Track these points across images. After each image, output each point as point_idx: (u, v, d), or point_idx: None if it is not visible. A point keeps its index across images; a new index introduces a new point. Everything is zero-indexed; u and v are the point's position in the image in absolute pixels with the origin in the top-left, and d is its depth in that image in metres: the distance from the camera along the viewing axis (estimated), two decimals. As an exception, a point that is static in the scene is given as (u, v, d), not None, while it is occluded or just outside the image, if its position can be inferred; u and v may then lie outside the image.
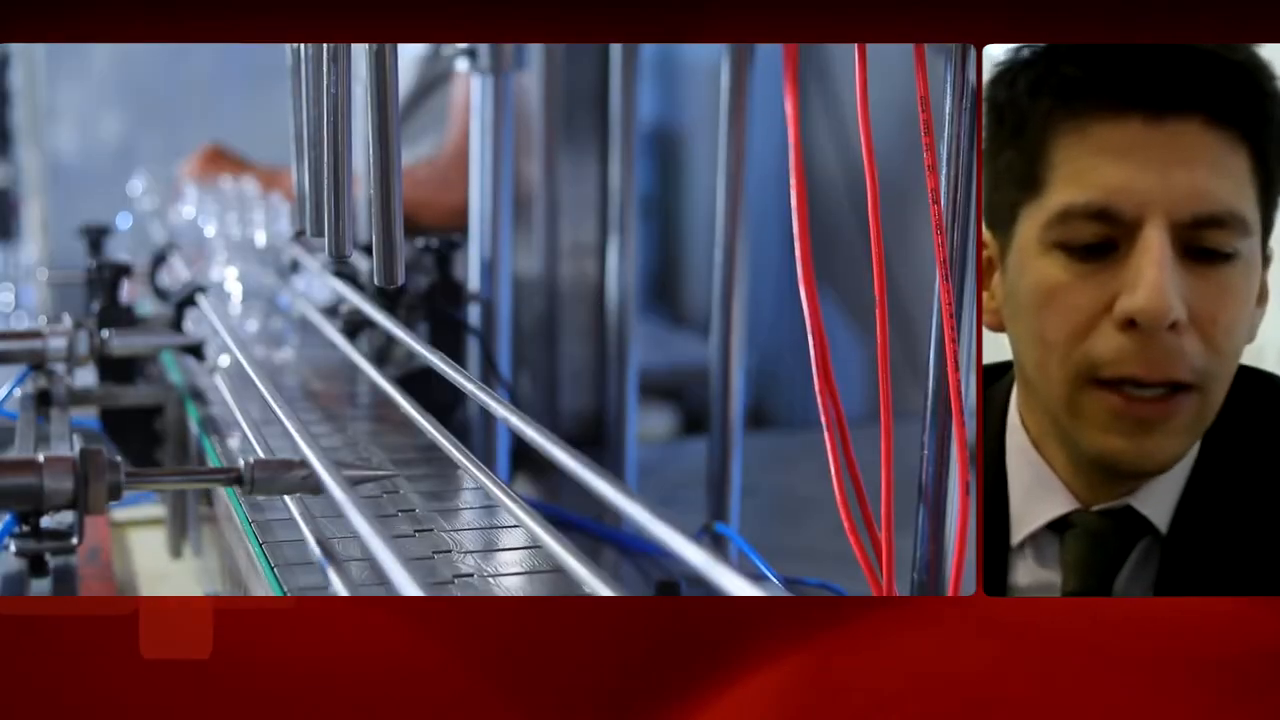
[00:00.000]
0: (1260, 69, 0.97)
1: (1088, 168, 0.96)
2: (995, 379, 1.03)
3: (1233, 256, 0.95)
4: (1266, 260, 0.99)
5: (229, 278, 1.69)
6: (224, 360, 1.46)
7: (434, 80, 2.16)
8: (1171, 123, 0.95)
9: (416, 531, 1.09)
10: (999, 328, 1.02)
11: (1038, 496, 1.00)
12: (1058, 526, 1.00)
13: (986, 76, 0.99)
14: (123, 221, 2.37)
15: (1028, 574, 1.01)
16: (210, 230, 1.76)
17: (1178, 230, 0.94)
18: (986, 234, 1.01)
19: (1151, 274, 0.93)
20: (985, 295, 1.02)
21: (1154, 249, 0.94)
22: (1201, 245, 0.95)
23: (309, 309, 1.53)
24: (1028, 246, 0.98)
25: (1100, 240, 0.95)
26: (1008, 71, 0.99)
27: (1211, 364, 0.96)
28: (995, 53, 0.99)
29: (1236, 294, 0.96)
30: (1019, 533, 1.01)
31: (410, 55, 2.18)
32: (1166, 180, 0.94)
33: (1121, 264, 0.95)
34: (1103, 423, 0.97)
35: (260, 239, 1.75)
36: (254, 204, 1.79)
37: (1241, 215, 0.95)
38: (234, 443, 1.30)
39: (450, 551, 1.05)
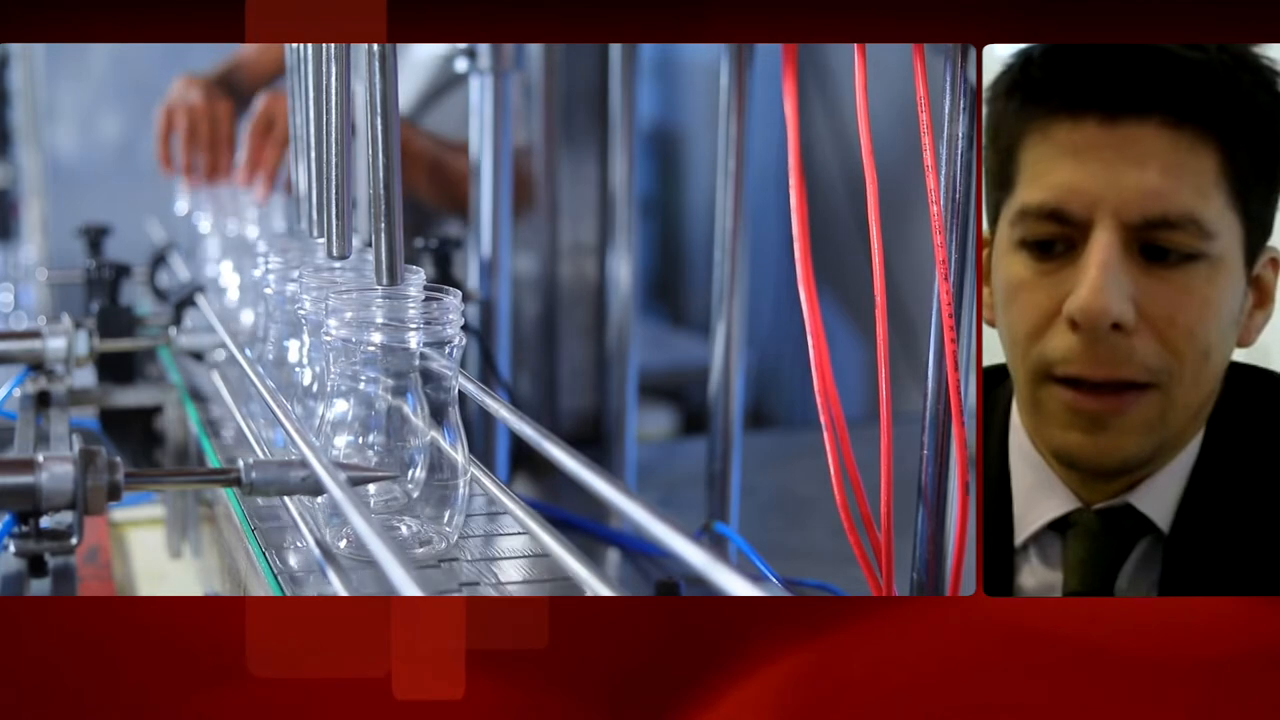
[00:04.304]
0: (1232, 69, 0.96)
1: (1046, 168, 0.97)
2: (1000, 380, 1.03)
3: (1194, 258, 0.95)
4: (1276, 264, 0.99)
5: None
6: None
7: (446, 82, 2.15)
8: (1127, 124, 0.95)
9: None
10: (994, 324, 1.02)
11: (1039, 497, 1.00)
12: (1059, 526, 1.00)
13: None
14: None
15: (1032, 575, 1.01)
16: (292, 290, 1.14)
17: (1131, 231, 0.94)
18: (987, 232, 1.01)
19: (1092, 275, 0.94)
20: (986, 291, 1.02)
21: (1099, 250, 0.94)
22: (1156, 246, 0.95)
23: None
24: (1000, 244, 0.99)
25: (1056, 240, 0.96)
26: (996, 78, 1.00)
27: (1170, 365, 0.95)
28: (999, 53, 0.99)
29: (1199, 296, 0.95)
30: (1022, 533, 1.01)
31: (418, 57, 2.18)
32: (1116, 181, 0.95)
33: (1074, 264, 0.95)
34: (1060, 419, 0.97)
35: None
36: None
37: (1199, 218, 0.95)
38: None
39: (445, 543, 1.04)
